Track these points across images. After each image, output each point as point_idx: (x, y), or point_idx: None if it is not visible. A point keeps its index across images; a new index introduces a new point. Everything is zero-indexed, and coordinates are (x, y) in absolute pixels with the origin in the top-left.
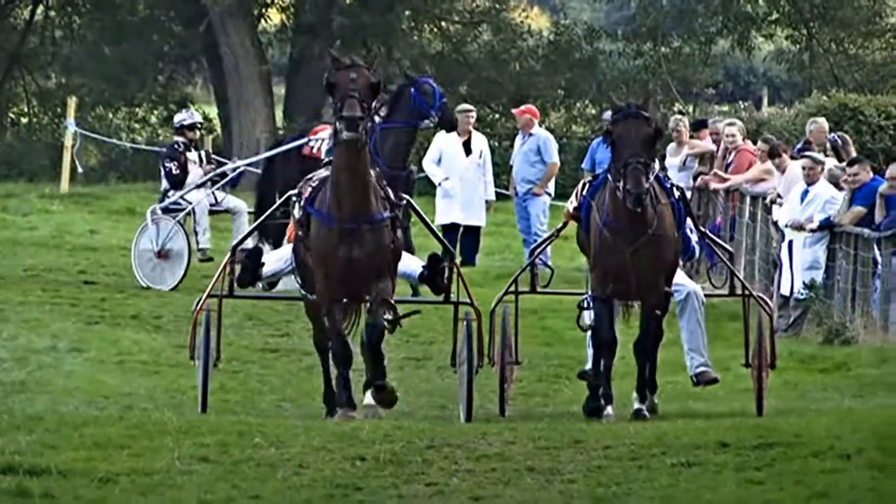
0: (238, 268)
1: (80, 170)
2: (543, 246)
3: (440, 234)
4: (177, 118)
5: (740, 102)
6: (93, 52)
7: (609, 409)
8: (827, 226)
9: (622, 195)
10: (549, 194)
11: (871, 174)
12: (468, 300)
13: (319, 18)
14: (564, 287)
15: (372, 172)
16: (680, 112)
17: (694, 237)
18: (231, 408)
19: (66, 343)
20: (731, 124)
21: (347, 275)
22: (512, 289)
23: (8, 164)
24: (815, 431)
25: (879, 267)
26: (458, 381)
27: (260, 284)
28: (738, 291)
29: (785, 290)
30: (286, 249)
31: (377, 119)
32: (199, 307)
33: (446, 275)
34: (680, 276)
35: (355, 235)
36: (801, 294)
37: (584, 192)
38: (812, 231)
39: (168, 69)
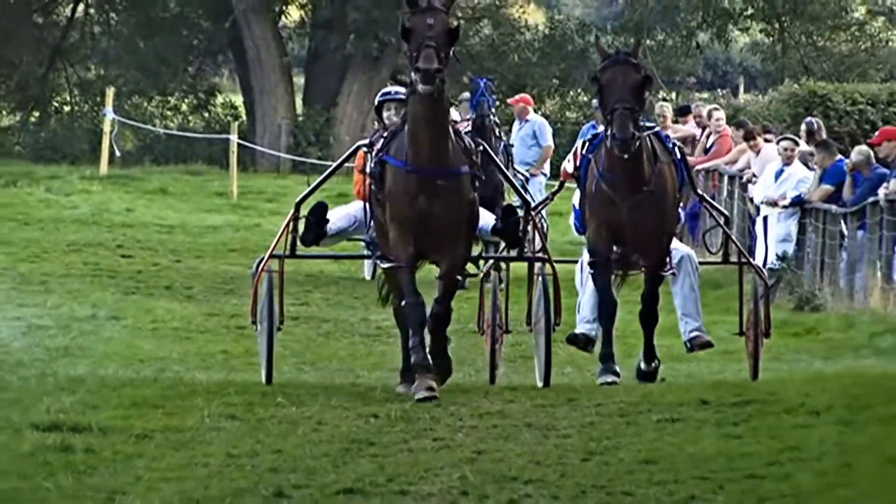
0: (301, 225)
1: (117, 153)
2: (539, 208)
3: (515, 183)
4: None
5: (719, 90)
6: (128, 46)
7: (616, 377)
8: (798, 202)
9: (610, 142)
10: (545, 175)
11: (837, 156)
12: (544, 255)
13: (335, 14)
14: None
15: (454, 119)
16: (664, 99)
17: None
18: (256, 370)
19: (106, 311)
20: (716, 109)
21: (424, 229)
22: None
23: (52, 149)
24: (787, 390)
25: (846, 240)
26: (535, 341)
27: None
28: (734, 259)
29: (759, 261)
30: (354, 206)
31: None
32: (260, 268)
33: (521, 227)
34: (672, 241)
35: (435, 187)
36: (775, 265)
37: (584, 151)
38: (785, 207)
39: (197, 61)
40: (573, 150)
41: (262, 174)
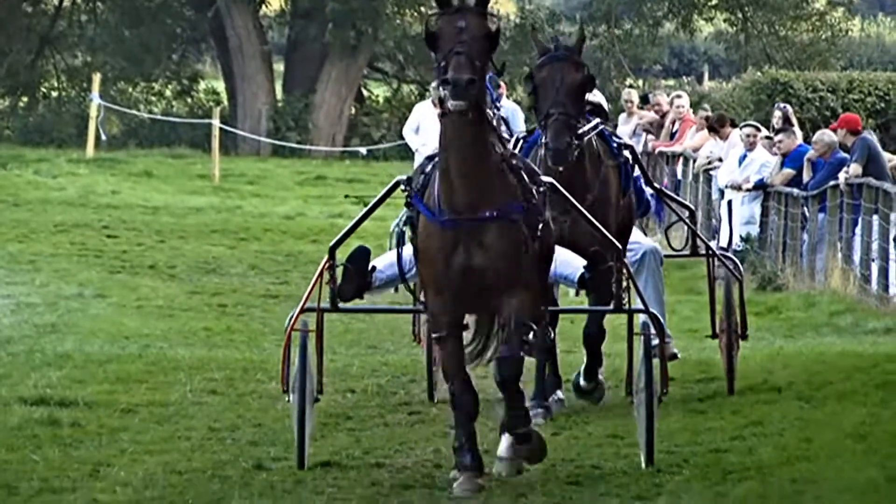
0: (340, 275)
1: (103, 137)
2: None
3: (603, 230)
4: None
5: (684, 78)
6: (114, 34)
7: (558, 393)
8: (761, 186)
9: (543, 152)
10: None
11: (799, 140)
12: (642, 307)
13: (314, 4)
14: None
15: (499, 147)
16: (630, 86)
17: (648, 190)
18: (237, 347)
19: (92, 290)
20: (679, 97)
21: (467, 289)
22: None
23: (40, 133)
24: (750, 367)
25: (807, 222)
26: (636, 413)
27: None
28: (702, 252)
29: (723, 243)
30: (410, 248)
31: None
32: (291, 324)
33: (613, 277)
34: (635, 233)
35: (475, 236)
36: (739, 246)
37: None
38: (748, 190)
39: (180, 49)
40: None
41: (244, 157)
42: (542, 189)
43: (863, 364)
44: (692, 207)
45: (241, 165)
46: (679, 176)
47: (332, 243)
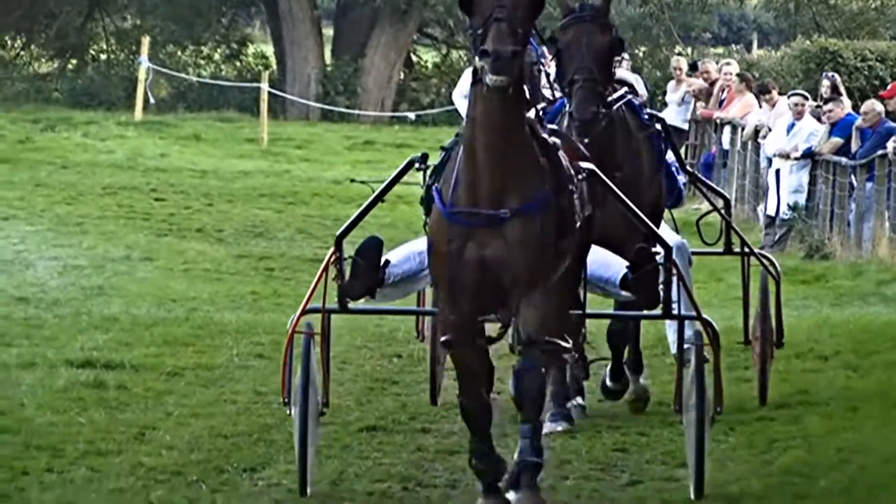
0: (348, 269)
1: (151, 100)
2: None
3: (653, 227)
4: None
5: (733, 46)
6: None
7: (578, 399)
8: (809, 154)
9: (567, 122)
10: None
11: (847, 109)
12: (694, 313)
13: None
14: None
15: (536, 128)
16: (679, 54)
17: (681, 178)
18: (283, 311)
19: (139, 252)
20: (727, 64)
21: (480, 287)
22: None
23: (89, 95)
24: (797, 336)
25: (855, 191)
26: (685, 434)
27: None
28: (737, 249)
29: (771, 211)
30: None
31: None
32: (293, 326)
33: (661, 279)
34: (662, 228)
35: (495, 227)
36: (786, 214)
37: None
38: (796, 159)
39: (230, 12)
40: None
41: (292, 121)
42: (581, 177)
43: None
44: (727, 196)
45: (289, 130)
46: (727, 145)
47: (338, 232)
